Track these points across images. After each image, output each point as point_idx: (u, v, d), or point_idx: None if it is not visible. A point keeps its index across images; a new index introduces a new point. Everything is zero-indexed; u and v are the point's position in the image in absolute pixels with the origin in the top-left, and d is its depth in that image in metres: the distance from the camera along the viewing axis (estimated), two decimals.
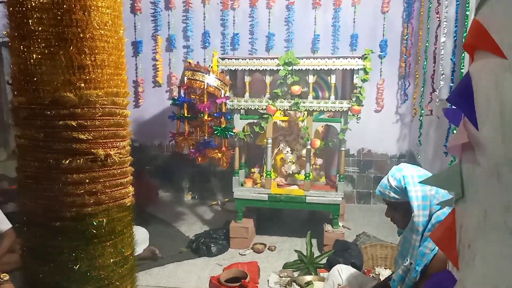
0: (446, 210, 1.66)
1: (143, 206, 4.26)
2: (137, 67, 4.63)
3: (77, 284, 1.27)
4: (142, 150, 4.83)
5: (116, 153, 1.32)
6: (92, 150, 1.26)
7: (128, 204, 1.41)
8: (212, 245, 3.32)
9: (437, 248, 1.72)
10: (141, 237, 3.19)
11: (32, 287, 1.31)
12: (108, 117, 1.30)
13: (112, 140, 1.32)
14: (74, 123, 1.23)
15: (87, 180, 1.26)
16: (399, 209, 1.83)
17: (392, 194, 1.80)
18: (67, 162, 1.23)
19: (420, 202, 1.72)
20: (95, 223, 1.27)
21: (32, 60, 1.19)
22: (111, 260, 1.33)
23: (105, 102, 1.29)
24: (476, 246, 1.13)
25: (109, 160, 1.30)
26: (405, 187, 1.74)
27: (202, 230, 3.69)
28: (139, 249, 3.13)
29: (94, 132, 1.26)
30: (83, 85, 1.23)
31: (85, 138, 1.24)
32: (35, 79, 1.21)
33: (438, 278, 1.39)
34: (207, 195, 4.77)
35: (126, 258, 1.40)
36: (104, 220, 1.30)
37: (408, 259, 1.79)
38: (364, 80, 3.16)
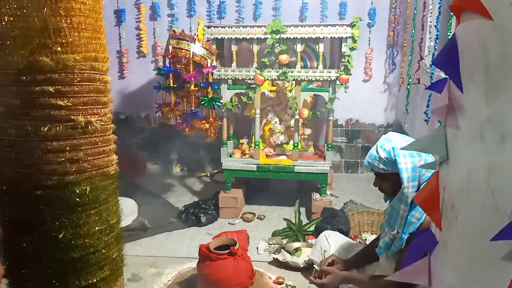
0: None
1: (131, 178, 4.24)
2: (121, 36, 4.51)
3: (62, 253, 1.26)
4: (128, 122, 4.78)
5: (97, 120, 1.29)
6: (72, 117, 1.23)
7: (112, 172, 1.39)
8: (202, 215, 3.33)
9: (423, 217, 1.74)
10: (129, 208, 3.20)
11: (16, 258, 1.30)
12: (87, 83, 1.26)
13: (92, 106, 1.28)
14: (51, 89, 1.19)
15: (68, 148, 1.23)
16: (388, 179, 1.83)
17: (381, 166, 1.79)
18: (46, 129, 1.19)
19: (410, 174, 1.72)
20: (78, 192, 1.25)
21: (3, 23, 1.14)
22: (96, 228, 1.32)
23: (84, 67, 1.24)
24: (458, 206, 1.13)
25: (90, 127, 1.27)
26: (395, 159, 1.73)
27: (191, 201, 3.70)
28: (128, 220, 3.13)
29: (73, 98, 1.23)
30: (59, 49, 1.18)
31: (64, 104, 1.21)
32: (8, 42, 1.16)
33: (421, 239, 1.41)
34: (196, 167, 4.76)
35: (112, 226, 1.39)
36: (87, 188, 1.28)
37: (396, 228, 1.81)
38: (352, 49, 3.12)
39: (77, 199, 1.26)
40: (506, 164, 0.91)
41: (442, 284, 1.22)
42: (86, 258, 1.30)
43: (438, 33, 2.51)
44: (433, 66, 2.82)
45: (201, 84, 3.12)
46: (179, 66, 3.19)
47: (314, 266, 2.23)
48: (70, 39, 1.20)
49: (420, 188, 1.68)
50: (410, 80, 3.26)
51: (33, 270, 1.27)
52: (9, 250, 1.31)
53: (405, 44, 3.87)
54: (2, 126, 1.23)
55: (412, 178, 1.70)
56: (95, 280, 1.33)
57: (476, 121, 1.03)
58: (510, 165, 0.89)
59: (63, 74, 1.20)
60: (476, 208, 1.03)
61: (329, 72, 3.19)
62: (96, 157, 1.31)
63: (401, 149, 1.69)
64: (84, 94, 1.25)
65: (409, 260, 1.39)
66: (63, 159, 1.22)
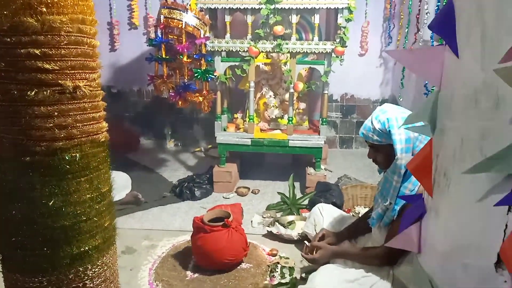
0: None
1: (124, 153, 4.22)
2: (111, 8, 4.40)
3: (53, 220, 1.24)
4: (120, 96, 4.71)
5: (85, 85, 1.25)
6: (59, 81, 1.19)
7: (102, 140, 1.36)
8: (196, 189, 3.33)
9: (416, 188, 1.73)
10: (123, 182, 3.18)
11: (6, 225, 1.28)
12: (74, 46, 1.22)
13: (80, 71, 1.24)
14: (37, 52, 1.15)
15: (56, 113, 1.20)
16: (382, 151, 1.82)
17: (376, 137, 1.78)
18: (33, 93, 1.16)
19: (404, 145, 1.71)
20: (67, 158, 1.22)
21: None
22: (87, 196, 1.30)
23: (71, 30, 1.20)
24: (451, 173, 1.12)
25: (78, 93, 1.23)
26: (389, 130, 1.72)
27: (185, 175, 3.69)
28: (122, 194, 3.12)
29: (60, 61, 1.18)
30: (44, 9, 1.13)
31: (50, 68, 1.17)
32: None
33: (413, 207, 1.40)
34: (190, 142, 4.73)
35: (103, 194, 1.37)
36: (77, 155, 1.25)
37: (388, 199, 1.81)
38: (348, 20, 3.07)
39: (67, 166, 1.23)
40: (499, 129, 0.89)
41: (433, 251, 1.23)
42: (77, 225, 1.28)
43: (438, 3, 2.47)
44: (432, 38, 2.78)
45: (194, 56, 3.07)
46: (172, 36, 3.12)
47: (305, 242, 2.24)
48: (56, 0, 1.15)
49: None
50: None
51: (24, 238, 1.25)
52: (0, 217, 1.29)
53: (402, 17, 3.81)
54: None
55: (405, 149, 1.69)
56: (87, 248, 1.32)
57: (471, 86, 1.01)
58: (503, 131, 0.87)
59: (49, 36, 1.16)
60: (468, 174, 1.02)
61: (325, 44, 3.14)
62: (86, 124, 1.28)
63: (399, 127, 1.67)
64: (72, 58, 1.21)
65: (402, 227, 1.40)
66: (51, 124, 1.19)
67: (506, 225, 0.87)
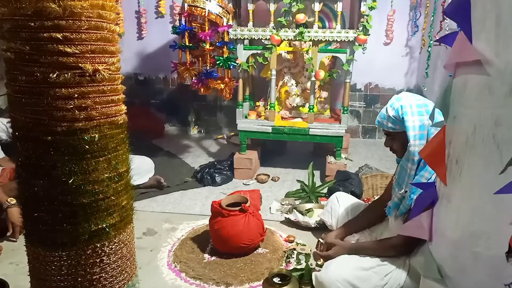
0: None
1: (149, 139, 4.31)
2: None
3: (72, 197, 1.30)
4: (147, 83, 4.81)
5: (104, 68, 1.29)
6: (80, 64, 1.23)
7: (121, 122, 1.41)
8: (217, 175, 3.38)
9: (433, 177, 1.72)
10: (146, 166, 3.26)
11: (29, 201, 1.35)
12: (94, 31, 1.26)
13: (100, 55, 1.28)
14: (59, 36, 1.19)
15: (76, 95, 1.25)
16: (398, 138, 1.82)
17: (390, 124, 1.78)
18: (55, 76, 1.21)
19: (417, 132, 1.70)
20: (86, 138, 1.28)
21: None
22: (105, 175, 1.35)
23: (91, 15, 1.24)
24: (463, 161, 1.12)
25: (97, 76, 1.28)
26: (403, 117, 1.71)
27: (207, 161, 3.75)
28: (145, 178, 3.21)
29: (80, 45, 1.23)
30: None
31: (71, 51, 1.21)
32: None
33: (424, 194, 1.40)
34: (213, 129, 4.80)
35: (121, 174, 1.42)
36: (96, 136, 1.30)
37: (404, 187, 1.80)
38: (371, 8, 3.02)
39: (86, 146, 1.28)
40: None
41: (444, 239, 1.23)
42: (95, 203, 1.34)
43: None
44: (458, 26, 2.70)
45: (217, 44, 3.10)
46: (195, 24, 3.16)
47: (320, 239, 2.26)
48: None
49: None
50: (431, 42, 3.16)
51: (46, 213, 1.32)
52: (23, 194, 1.36)
53: (427, 5, 3.71)
54: (12, 72, 1.26)
55: (419, 136, 1.68)
56: (104, 225, 1.37)
57: (485, 72, 1.00)
58: None
59: (70, 21, 1.20)
60: (481, 162, 1.01)
61: (347, 32, 3.11)
62: (105, 106, 1.32)
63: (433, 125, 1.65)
64: (92, 42, 1.25)
65: (413, 214, 1.39)
66: (71, 106, 1.24)
67: None
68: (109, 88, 1.34)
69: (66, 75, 1.22)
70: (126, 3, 4.39)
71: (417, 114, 1.69)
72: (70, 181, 1.28)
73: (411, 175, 1.74)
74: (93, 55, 1.27)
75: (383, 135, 1.79)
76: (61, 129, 1.25)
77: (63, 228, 1.33)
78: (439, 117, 1.72)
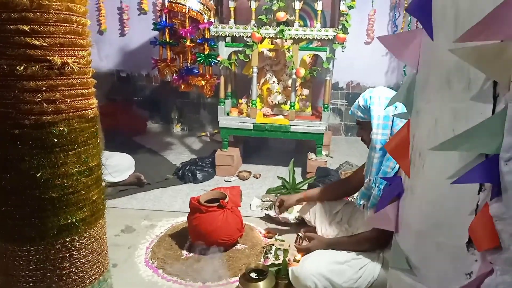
0: None
1: (131, 136, 4.29)
2: None
3: (41, 191, 1.29)
4: (129, 80, 4.78)
5: (74, 61, 1.29)
6: (48, 57, 1.23)
7: (91, 115, 1.40)
8: (198, 172, 3.38)
9: (397, 166, 1.76)
10: (126, 163, 3.25)
11: None
12: (63, 24, 1.25)
13: (69, 48, 1.28)
14: (26, 28, 1.19)
15: (44, 88, 1.24)
16: (366, 128, 1.87)
17: (359, 113, 1.85)
18: (22, 68, 1.20)
19: (381, 121, 1.75)
20: (55, 131, 1.27)
21: None
22: (75, 169, 1.35)
23: (60, 8, 1.23)
24: (425, 153, 1.14)
25: (66, 69, 1.27)
26: (369, 107, 1.76)
27: (189, 159, 3.75)
28: (125, 175, 3.19)
29: (48, 38, 1.22)
30: None
31: (39, 44, 1.21)
32: None
33: (391, 186, 1.42)
34: (196, 127, 4.79)
35: (91, 168, 1.42)
36: (65, 129, 1.30)
37: (368, 176, 1.84)
38: (350, 7, 3.06)
39: (55, 140, 1.28)
40: (470, 110, 0.91)
41: (408, 230, 1.25)
42: (64, 197, 1.33)
43: None
44: None
45: (198, 40, 3.10)
46: (176, 21, 3.15)
47: (299, 233, 2.28)
48: None
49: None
50: None
51: (13, 207, 1.31)
52: None
53: (406, 5, 3.77)
54: None
55: (383, 126, 1.73)
56: (74, 219, 1.37)
57: (445, 68, 1.03)
58: (474, 112, 0.89)
59: (38, 13, 1.20)
60: (442, 154, 1.04)
61: (327, 31, 3.14)
62: (74, 99, 1.32)
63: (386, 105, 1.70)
64: (60, 35, 1.25)
65: (380, 206, 1.41)
66: (39, 99, 1.24)
67: (477, 205, 0.89)
68: (78, 81, 1.33)
69: (33, 67, 1.22)
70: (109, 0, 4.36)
71: (383, 105, 1.74)
72: (38, 175, 1.28)
73: (375, 164, 1.78)
74: (62, 48, 1.27)
75: None
76: (29, 122, 1.25)
77: (31, 223, 1.32)
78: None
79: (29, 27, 1.20)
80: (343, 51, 3.22)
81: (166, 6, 2.99)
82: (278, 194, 2.58)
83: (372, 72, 4.35)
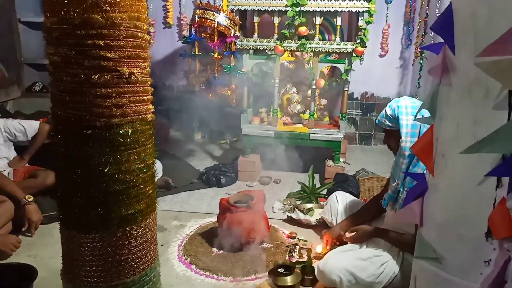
0: None
1: (155, 143, 4.46)
2: (148, 7, 4.67)
3: (106, 185, 1.47)
4: (154, 90, 4.97)
5: (138, 72, 1.48)
6: (118, 67, 1.42)
7: (150, 119, 1.59)
8: (222, 177, 3.55)
9: (425, 171, 1.91)
10: (155, 168, 3.42)
11: (67, 187, 1.52)
12: (131, 39, 1.44)
13: (134, 60, 1.47)
14: (101, 43, 1.38)
15: (114, 94, 1.43)
16: (394, 136, 2.01)
17: (387, 122, 1.98)
18: (96, 77, 1.39)
19: (409, 130, 1.90)
20: (121, 133, 1.45)
21: None
22: (136, 166, 1.53)
23: (128, 25, 1.42)
24: (448, 155, 1.31)
25: (132, 78, 1.46)
26: (398, 116, 1.91)
27: (211, 164, 3.92)
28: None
29: (119, 51, 1.41)
30: (108, 8, 1.36)
31: (111, 56, 1.39)
32: (66, 1, 1.35)
33: (416, 184, 1.58)
34: (216, 135, 4.97)
35: (148, 165, 1.60)
36: (129, 131, 1.48)
37: (396, 180, 1.99)
38: (368, 23, 3.24)
39: (121, 140, 1.46)
40: (489, 116, 1.07)
41: (433, 223, 1.40)
42: (126, 191, 1.51)
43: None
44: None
45: (224, 53, 3.30)
46: (204, 35, 3.36)
47: (325, 231, 2.43)
48: (118, 0, 1.38)
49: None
50: (423, 54, 3.38)
51: (82, 198, 1.48)
52: (62, 181, 1.53)
53: (420, 20, 3.96)
54: (58, 73, 1.43)
55: (411, 134, 1.87)
56: (133, 210, 1.54)
57: (466, 79, 1.19)
58: (492, 117, 1.05)
59: (111, 30, 1.39)
60: (462, 155, 1.19)
61: (346, 44, 3.33)
62: (137, 104, 1.50)
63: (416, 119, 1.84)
64: (128, 49, 1.43)
65: (406, 202, 1.57)
66: (109, 104, 1.42)
67: (495, 200, 1.03)
68: (141, 89, 1.52)
69: (106, 76, 1.41)
70: None
71: (410, 114, 1.89)
72: (105, 171, 1.46)
73: (403, 169, 1.93)
74: (129, 60, 1.46)
75: (379, 142, 1.98)
76: (100, 124, 1.43)
77: (97, 213, 1.49)
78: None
79: (103, 42, 1.39)
80: (361, 64, 3.41)
81: (196, 21, 3.19)
82: (323, 220, 2.68)
83: (386, 84, 4.53)
